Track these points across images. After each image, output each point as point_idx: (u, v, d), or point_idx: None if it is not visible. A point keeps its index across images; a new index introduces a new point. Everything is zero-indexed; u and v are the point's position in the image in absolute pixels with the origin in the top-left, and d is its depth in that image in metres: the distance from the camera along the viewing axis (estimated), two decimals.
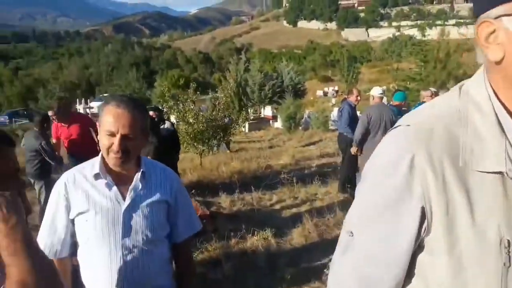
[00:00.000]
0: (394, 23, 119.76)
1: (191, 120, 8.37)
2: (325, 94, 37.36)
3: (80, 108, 30.67)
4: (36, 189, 5.50)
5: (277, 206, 5.86)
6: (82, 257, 1.58)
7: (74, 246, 1.59)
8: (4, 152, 1.05)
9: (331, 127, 16.07)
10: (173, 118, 9.24)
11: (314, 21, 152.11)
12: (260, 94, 23.44)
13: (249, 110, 14.95)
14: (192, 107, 8.60)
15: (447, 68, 17.85)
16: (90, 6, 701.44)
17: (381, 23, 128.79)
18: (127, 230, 1.53)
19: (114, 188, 1.55)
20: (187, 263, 1.81)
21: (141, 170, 1.60)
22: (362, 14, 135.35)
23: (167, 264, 1.69)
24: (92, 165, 1.58)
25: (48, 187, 5.58)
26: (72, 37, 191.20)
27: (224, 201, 6.05)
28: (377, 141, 5.49)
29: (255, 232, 4.48)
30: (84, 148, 5.97)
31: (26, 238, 0.92)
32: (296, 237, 4.59)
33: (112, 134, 1.48)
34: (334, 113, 16.87)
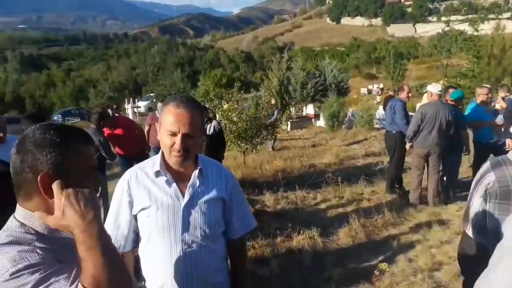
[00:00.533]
0: (443, 18, 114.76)
1: (235, 119, 8.45)
2: (369, 92, 36.41)
3: (128, 107, 31.86)
4: None
5: (322, 206, 5.79)
6: (143, 251, 1.64)
7: (136, 241, 1.65)
8: (85, 150, 1.09)
9: (376, 126, 15.65)
10: (217, 117, 9.36)
11: (358, 18, 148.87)
12: (302, 93, 23.21)
13: (291, 108, 14.82)
14: (236, 106, 8.67)
15: (502, 64, 16.88)
16: (137, 9, 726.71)
17: (430, 18, 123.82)
18: (186, 226, 1.57)
19: (174, 185, 1.60)
20: (241, 260, 1.83)
21: (199, 167, 1.63)
22: (409, 9, 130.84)
23: (224, 260, 1.72)
24: (153, 163, 1.64)
25: (104, 183, 5.82)
26: (120, 39, 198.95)
27: (268, 199, 6.06)
28: (431, 139, 5.29)
29: (301, 231, 4.45)
30: (128, 149, 6.25)
31: (101, 234, 0.96)
32: (343, 237, 4.51)
33: (174, 134, 1.53)
34: (380, 111, 16.40)
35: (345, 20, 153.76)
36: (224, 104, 8.62)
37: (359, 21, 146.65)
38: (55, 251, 1.01)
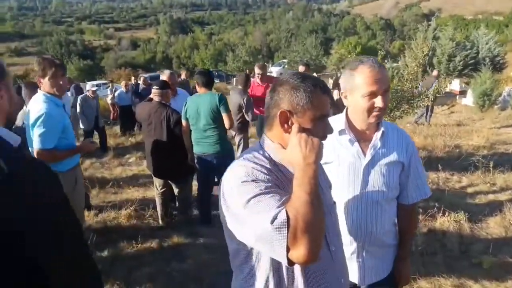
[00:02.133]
0: None
1: None
2: None
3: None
4: (236, 141, 6.20)
5: (469, 190, 5.35)
6: None
7: None
8: (322, 98, 1.23)
9: None
10: None
11: None
12: (448, 66, 21.11)
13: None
14: None
15: None
16: None
17: None
18: (365, 184, 1.64)
19: (356, 144, 1.67)
20: (411, 227, 1.86)
21: (381, 129, 1.66)
22: None
23: (394, 224, 1.76)
24: (337, 121, 1.71)
25: (246, 141, 6.25)
26: (258, 5, 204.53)
27: None
28: None
29: (446, 213, 4.21)
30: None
31: (313, 177, 1.10)
32: (494, 226, 4.14)
33: (373, 95, 1.56)
34: None
35: None
36: None
37: None
38: (278, 178, 1.21)
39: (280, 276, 1.22)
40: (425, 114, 11.43)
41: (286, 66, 40.02)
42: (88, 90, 8.40)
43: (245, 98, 5.88)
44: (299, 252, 1.04)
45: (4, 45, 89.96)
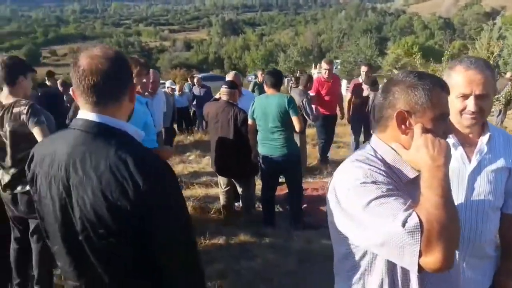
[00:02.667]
0: None
1: None
2: None
3: (314, 72, 32.67)
4: None
5: None
6: None
7: None
8: (442, 97, 1.18)
9: None
10: None
11: None
12: None
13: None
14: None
15: None
16: None
17: None
18: (471, 192, 1.56)
19: (460, 148, 1.59)
20: None
21: (488, 133, 1.58)
22: None
23: (496, 234, 1.67)
24: None
25: (303, 141, 6.23)
26: (309, 5, 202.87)
27: None
28: None
29: None
30: (330, 103, 6.55)
31: (443, 179, 1.06)
32: None
33: (465, 96, 1.50)
34: None
35: None
36: None
37: None
38: (394, 180, 1.16)
39: (394, 283, 1.18)
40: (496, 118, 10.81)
41: (339, 67, 39.39)
42: (167, 87, 8.60)
43: (304, 99, 5.87)
44: (434, 258, 0.99)
45: (67, 46, 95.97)
